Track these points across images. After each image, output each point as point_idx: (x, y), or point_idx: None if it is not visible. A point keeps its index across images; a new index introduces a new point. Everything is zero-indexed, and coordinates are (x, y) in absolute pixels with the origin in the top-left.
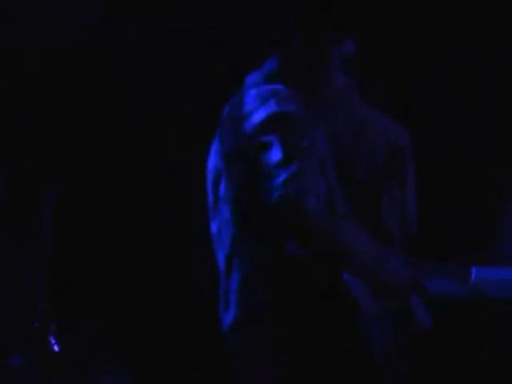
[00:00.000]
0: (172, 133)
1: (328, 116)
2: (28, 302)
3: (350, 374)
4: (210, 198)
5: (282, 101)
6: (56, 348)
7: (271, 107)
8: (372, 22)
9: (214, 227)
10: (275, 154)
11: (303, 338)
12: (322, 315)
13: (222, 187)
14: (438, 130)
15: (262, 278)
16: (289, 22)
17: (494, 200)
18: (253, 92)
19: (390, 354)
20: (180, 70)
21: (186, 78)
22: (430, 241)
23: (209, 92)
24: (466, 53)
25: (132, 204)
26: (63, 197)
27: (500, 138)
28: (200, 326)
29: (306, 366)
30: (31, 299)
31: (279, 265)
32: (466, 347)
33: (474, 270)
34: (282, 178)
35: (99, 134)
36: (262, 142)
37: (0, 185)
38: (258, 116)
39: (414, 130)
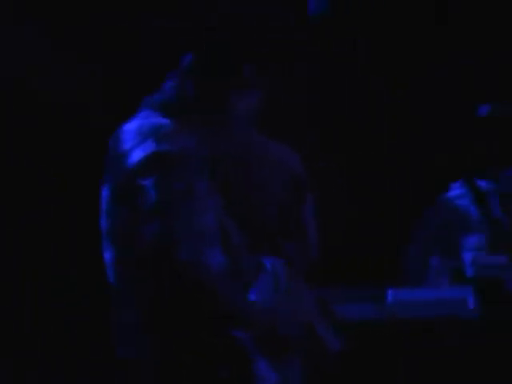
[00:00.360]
0: None
1: (220, 148)
2: None
3: None
4: (103, 227)
5: (162, 139)
6: None
7: (149, 147)
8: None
9: (106, 256)
10: (150, 199)
11: (188, 376)
12: (204, 352)
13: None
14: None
15: (146, 318)
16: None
17: (404, 225)
18: (134, 126)
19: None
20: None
21: None
22: (344, 265)
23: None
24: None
25: None
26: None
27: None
28: None
29: None
30: None
31: (159, 306)
32: (384, 369)
33: (389, 291)
34: (155, 225)
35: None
36: (139, 184)
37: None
38: (136, 156)
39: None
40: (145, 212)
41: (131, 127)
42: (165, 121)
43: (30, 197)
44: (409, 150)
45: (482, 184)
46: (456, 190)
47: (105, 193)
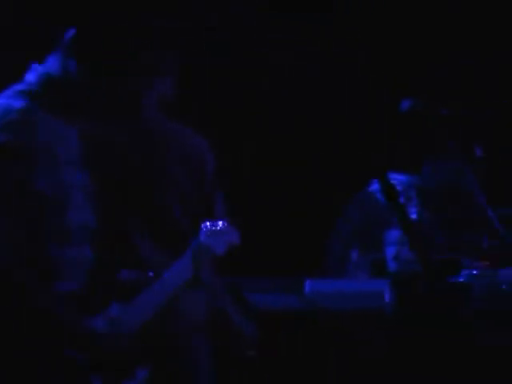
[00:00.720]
0: None
1: (97, 135)
2: None
3: None
4: None
5: (2, 128)
6: None
7: None
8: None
9: None
10: None
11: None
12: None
13: None
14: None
15: None
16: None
17: (327, 219)
18: None
19: None
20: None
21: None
22: (263, 256)
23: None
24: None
25: None
26: None
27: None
28: None
29: None
30: None
31: None
32: (302, 358)
33: (307, 282)
34: None
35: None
36: None
37: None
38: None
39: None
40: None
41: None
42: (20, 105)
43: None
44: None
45: (402, 179)
46: (376, 185)
47: None
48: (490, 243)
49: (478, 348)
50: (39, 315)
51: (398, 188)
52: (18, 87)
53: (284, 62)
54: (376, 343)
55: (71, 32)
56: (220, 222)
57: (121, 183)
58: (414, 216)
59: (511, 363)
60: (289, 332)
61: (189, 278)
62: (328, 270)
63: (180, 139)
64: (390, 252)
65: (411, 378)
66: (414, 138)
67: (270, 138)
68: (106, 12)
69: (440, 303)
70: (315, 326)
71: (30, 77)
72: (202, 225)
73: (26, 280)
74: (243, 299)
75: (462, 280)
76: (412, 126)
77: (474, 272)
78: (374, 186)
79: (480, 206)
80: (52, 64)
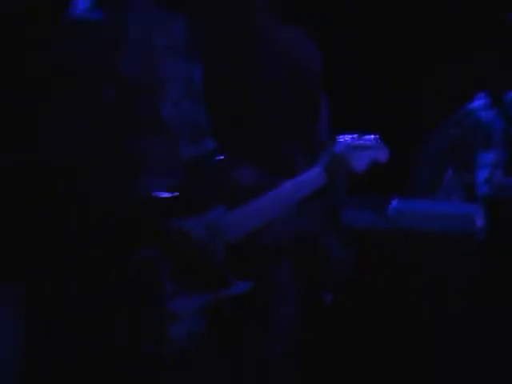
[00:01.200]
0: None
1: (214, 33)
2: None
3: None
4: None
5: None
6: None
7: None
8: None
9: None
10: None
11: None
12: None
13: None
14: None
15: None
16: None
17: (414, 139)
18: None
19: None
20: None
21: None
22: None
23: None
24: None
25: None
26: None
27: None
28: None
29: None
30: None
31: None
32: (386, 276)
33: (393, 201)
34: None
35: None
36: None
37: None
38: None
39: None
40: None
41: None
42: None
43: None
44: None
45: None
46: (480, 101)
47: None
48: None
49: None
50: (111, 216)
51: None
52: None
53: None
54: (462, 269)
55: None
56: (367, 137)
57: (224, 88)
58: None
59: None
60: (373, 251)
61: (319, 186)
62: (418, 189)
63: (288, 49)
64: (483, 174)
65: (494, 310)
66: None
67: None
68: None
69: None
70: (399, 246)
71: None
72: (340, 136)
73: (97, 173)
74: (338, 221)
75: None
76: None
77: None
78: (476, 103)
79: None
80: None
